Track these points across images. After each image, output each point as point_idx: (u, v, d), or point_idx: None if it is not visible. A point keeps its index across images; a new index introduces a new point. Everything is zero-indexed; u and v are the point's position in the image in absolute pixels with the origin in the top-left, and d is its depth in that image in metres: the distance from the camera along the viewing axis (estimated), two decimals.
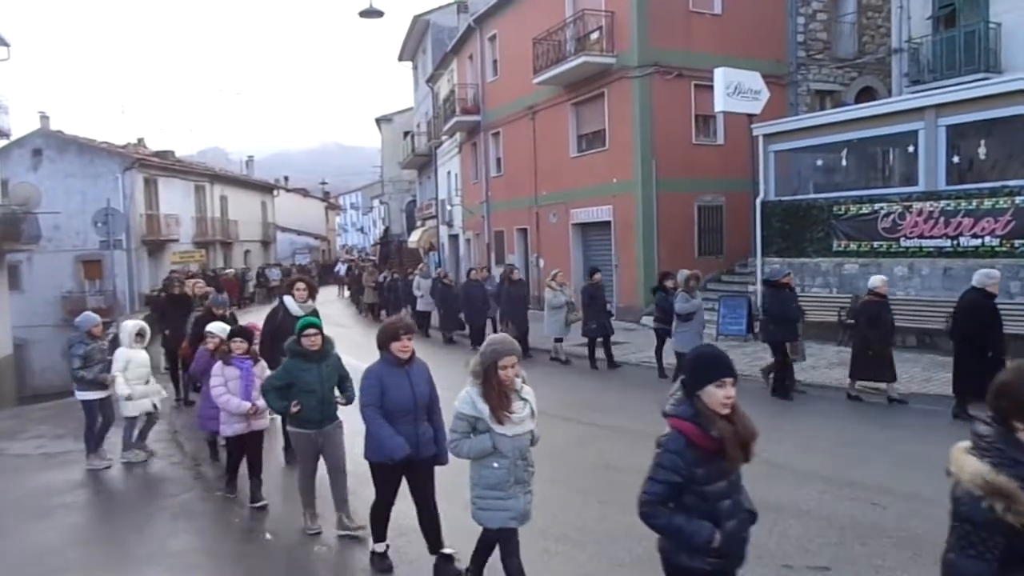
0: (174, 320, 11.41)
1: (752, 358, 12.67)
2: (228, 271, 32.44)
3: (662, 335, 11.79)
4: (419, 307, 18.87)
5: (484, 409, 3.99)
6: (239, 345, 6.64)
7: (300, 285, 7.39)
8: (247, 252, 41.98)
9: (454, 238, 31.98)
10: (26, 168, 28.45)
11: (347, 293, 31.52)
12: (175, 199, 33.73)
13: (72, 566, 5.56)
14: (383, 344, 4.82)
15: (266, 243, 46.19)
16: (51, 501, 7.26)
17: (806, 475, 6.73)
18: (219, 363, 6.56)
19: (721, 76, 15.37)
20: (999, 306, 8.54)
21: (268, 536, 6.01)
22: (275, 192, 49.70)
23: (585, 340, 13.26)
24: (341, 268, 35.60)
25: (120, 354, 8.13)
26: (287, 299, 7.38)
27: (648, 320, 16.01)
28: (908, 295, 13.07)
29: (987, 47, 15.34)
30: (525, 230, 23.48)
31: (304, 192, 61.69)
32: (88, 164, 29.60)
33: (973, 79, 14.26)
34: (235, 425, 6.47)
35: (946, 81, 15.29)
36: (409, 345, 4.81)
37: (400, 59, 40.69)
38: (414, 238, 37.05)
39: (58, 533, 6.36)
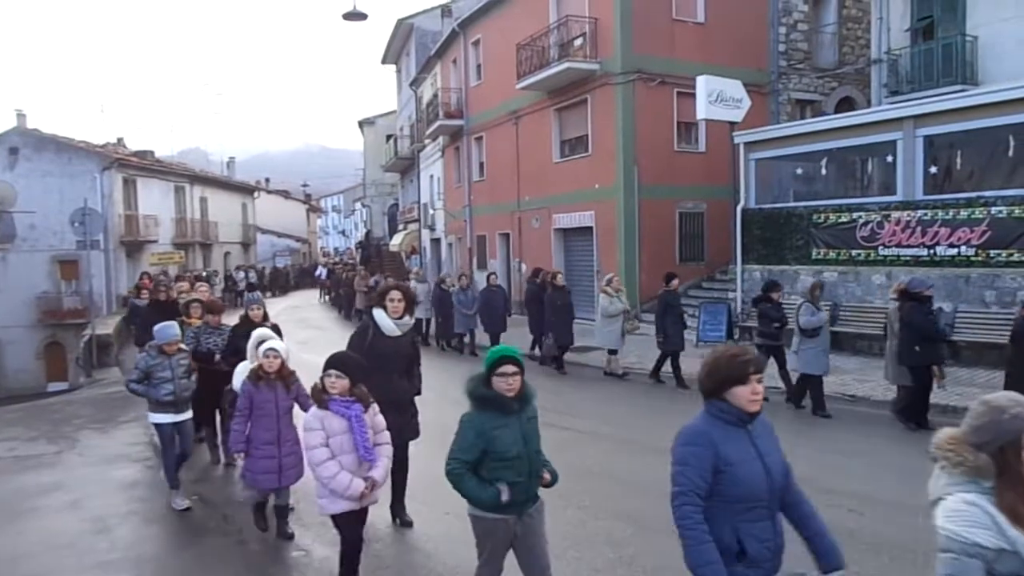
0: None
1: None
2: (185, 273, 31.70)
3: (771, 353, 10.15)
4: (416, 314, 18.22)
5: (1017, 535, 2.13)
6: (338, 383, 4.42)
7: (395, 295, 5.71)
8: (227, 254, 41.64)
9: (436, 242, 31.93)
10: (2, 167, 28.06)
11: (328, 297, 31.01)
12: (154, 200, 33.41)
13: (43, 571, 5.47)
14: (715, 389, 2.83)
15: (246, 245, 45.83)
16: (22, 504, 7.14)
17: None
18: (313, 409, 4.49)
19: (703, 84, 15.49)
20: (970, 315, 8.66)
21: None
22: (256, 194, 49.35)
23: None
24: (322, 272, 35.36)
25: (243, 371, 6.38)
26: (378, 314, 5.69)
27: (597, 323, 16.07)
28: (886, 303, 13.18)
29: (964, 59, 15.57)
30: (508, 235, 23.48)
31: (285, 194, 61.32)
32: (66, 163, 29.24)
33: (950, 91, 14.46)
34: (342, 502, 4.42)
35: (924, 92, 15.50)
36: (760, 392, 2.85)
37: (384, 62, 40.61)
38: (396, 241, 36.97)
39: (30, 537, 6.26)
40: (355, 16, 19.62)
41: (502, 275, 22.60)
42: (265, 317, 7.53)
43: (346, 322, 24.25)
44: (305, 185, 69.03)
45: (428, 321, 17.85)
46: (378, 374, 5.23)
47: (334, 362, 4.48)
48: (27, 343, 28.47)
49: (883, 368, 9.43)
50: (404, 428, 5.60)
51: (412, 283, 17.97)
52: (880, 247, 13.37)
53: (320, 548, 5.59)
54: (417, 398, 6.07)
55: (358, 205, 60.25)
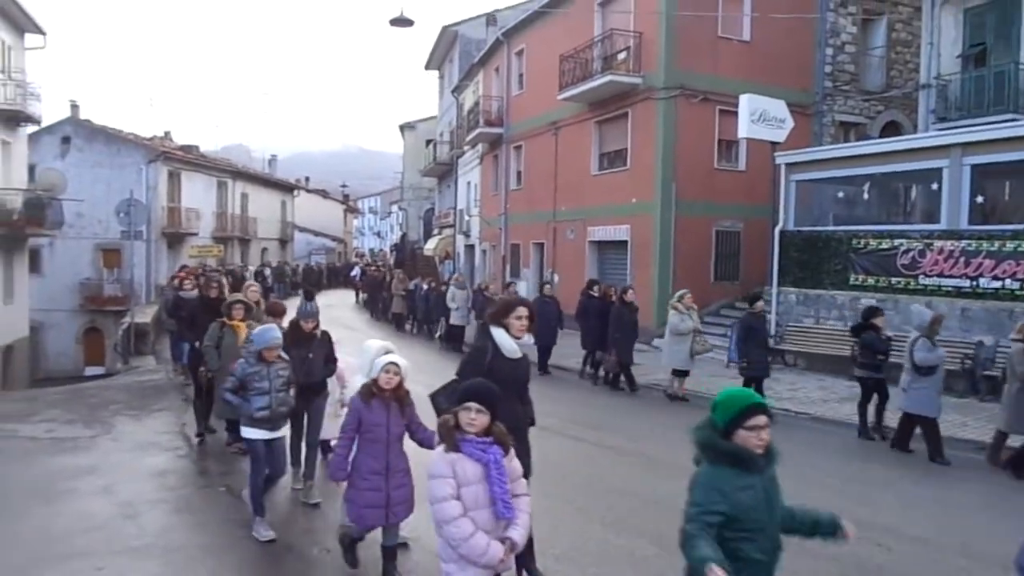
0: (206, 331, 8.55)
1: (765, 387, 12.59)
2: (214, 269, 31.47)
3: (871, 387, 9.55)
4: (453, 320, 17.70)
5: None
6: (479, 419, 3.49)
7: (521, 312, 4.83)
8: (264, 249, 42.27)
9: (470, 248, 32.06)
10: (54, 155, 28.82)
11: (363, 298, 30.73)
12: (197, 193, 34.07)
13: (76, 553, 5.61)
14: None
15: (283, 242, 46.49)
16: (59, 486, 7.33)
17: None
18: (440, 452, 3.54)
19: (746, 102, 15.40)
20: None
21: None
22: (295, 192, 50.08)
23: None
24: (357, 272, 35.64)
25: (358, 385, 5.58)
26: (498, 333, 4.82)
27: (660, 342, 15.99)
28: None
29: (1016, 88, 15.27)
30: (542, 244, 23.51)
31: (324, 193, 62.13)
32: (114, 154, 29.97)
33: (1001, 119, 14.19)
34: (475, 569, 3.52)
35: (973, 120, 15.23)
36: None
37: (427, 68, 41.00)
38: (430, 246, 37.18)
39: (65, 519, 6.42)
40: (401, 22, 19.86)
41: (534, 285, 22.64)
42: (316, 328, 6.98)
43: (377, 324, 24.43)
44: (344, 186, 69.89)
45: (464, 329, 17.80)
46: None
47: (474, 392, 3.55)
48: (68, 327, 29.18)
49: (996, 413, 8.83)
50: (526, 462, 4.77)
51: (452, 289, 18.00)
52: (921, 276, 13.15)
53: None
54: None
55: (395, 208, 60.77)
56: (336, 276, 42.90)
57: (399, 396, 4.87)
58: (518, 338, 4.83)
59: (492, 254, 28.28)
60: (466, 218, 32.10)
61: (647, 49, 18.11)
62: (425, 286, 20.72)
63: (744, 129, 15.57)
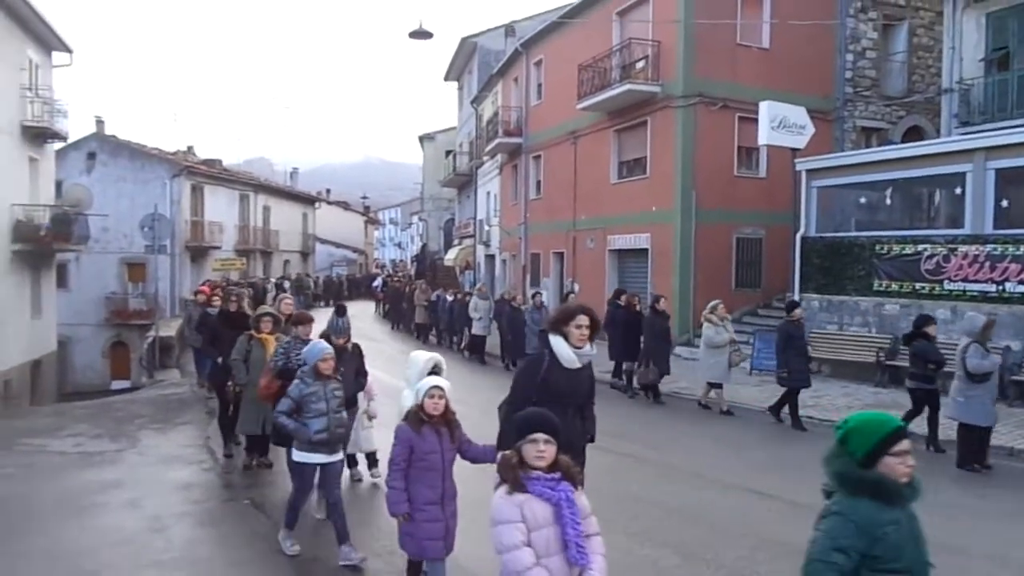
0: (229, 346, 8.40)
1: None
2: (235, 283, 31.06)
3: (922, 398, 9.12)
4: (475, 330, 17.85)
5: None
6: (548, 451, 3.11)
7: (582, 320, 4.58)
8: (286, 262, 42.63)
9: (491, 258, 32.13)
10: (80, 171, 29.28)
11: (384, 309, 30.87)
12: (220, 207, 34.46)
13: (103, 567, 5.68)
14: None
15: (305, 254, 46.86)
16: (86, 500, 7.42)
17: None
18: (502, 491, 3.12)
19: (766, 109, 15.33)
20: None
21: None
22: (317, 204, 50.49)
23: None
24: (379, 283, 35.84)
25: (406, 399, 5.33)
26: (557, 342, 4.61)
27: (688, 350, 15.92)
28: (950, 339, 12.77)
29: None
30: (562, 254, 23.51)
31: (345, 205, 62.57)
32: (139, 169, 30.40)
33: None
34: None
35: (997, 124, 15.05)
36: None
37: (446, 79, 41.23)
38: (451, 256, 37.31)
39: (91, 533, 6.50)
40: (421, 35, 19.98)
41: (554, 294, 22.62)
42: (347, 342, 6.89)
43: (399, 335, 24.52)
44: (364, 197, 70.30)
45: (485, 339, 17.86)
46: (555, 413, 4.38)
47: (538, 421, 3.16)
48: (94, 341, 29.57)
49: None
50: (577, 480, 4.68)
51: (475, 299, 18.03)
52: (945, 281, 12.98)
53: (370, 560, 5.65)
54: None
55: (415, 218, 61.07)
56: (357, 287, 43.14)
57: (447, 419, 4.55)
58: (578, 347, 4.57)
59: (512, 264, 28.32)
60: (486, 228, 32.18)
61: (665, 57, 18.09)
62: (450, 297, 20.71)
63: (764, 136, 15.50)
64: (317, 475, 5.73)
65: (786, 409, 10.68)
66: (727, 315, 11.94)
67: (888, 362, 13.47)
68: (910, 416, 9.10)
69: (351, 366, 6.79)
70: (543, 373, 4.56)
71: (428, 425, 4.46)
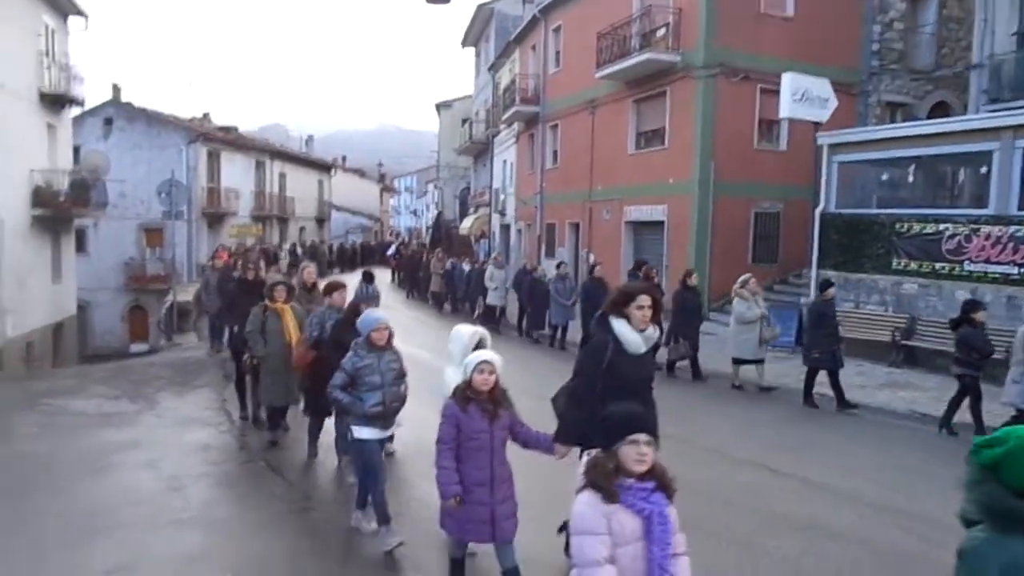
0: (247, 315, 8.14)
1: (801, 370, 12.44)
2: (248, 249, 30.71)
3: (969, 384, 8.84)
4: (490, 300, 17.75)
5: None
6: (648, 454, 2.77)
7: (644, 300, 4.33)
8: (302, 229, 42.72)
9: (506, 228, 32.06)
10: (97, 137, 29.36)
11: (399, 277, 30.88)
12: (236, 173, 34.49)
13: (122, 524, 5.79)
14: None
15: (321, 220, 46.94)
16: (105, 459, 7.56)
17: (847, 497, 6.60)
18: (588, 496, 2.75)
19: (788, 81, 15.08)
20: None
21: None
22: (332, 171, 50.45)
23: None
24: (392, 251, 35.88)
25: (450, 376, 5.05)
26: (619, 325, 4.34)
27: (704, 325, 15.89)
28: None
29: None
30: (577, 224, 23.41)
31: (361, 173, 62.52)
32: (155, 135, 30.44)
33: None
34: None
35: None
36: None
37: (463, 45, 40.84)
38: (466, 225, 37.26)
39: (110, 492, 6.63)
40: (438, 0, 19.75)
41: (569, 265, 22.58)
42: None
43: (414, 303, 24.56)
44: (380, 164, 70.19)
45: (503, 309, 17.74)
46: (619, 402, 4.32)
47: (640, 420, 2.80)
48: (113, 305, 29.88)
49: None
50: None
51: (490, 268, 17.95)
52: (966, 261, 12.82)
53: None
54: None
55: (431, 187, 60.94)
56: (371, 255, 43.23)
57: (496, 397, 4.27)
58: (641, 330, 4.30)
59: (527, 233, 28.25)
60: (501, 197, 32.07)
61: (687, 26, 17.80)
62: (467, 266, 20.66)
63: (786, 109, 15.26)
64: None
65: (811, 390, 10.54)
66: (758, 290, 11.58)
67: (904, 342, 13.38)
68: (955, 403, 8.99)
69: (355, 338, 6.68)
70: (608, 359, 4.28)
71: (475, 403, 4.20)
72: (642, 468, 2.72)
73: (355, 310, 6.46)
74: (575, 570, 2.74)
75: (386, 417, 5.35)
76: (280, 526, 5.82)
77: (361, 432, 5.27)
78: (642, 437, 2.73)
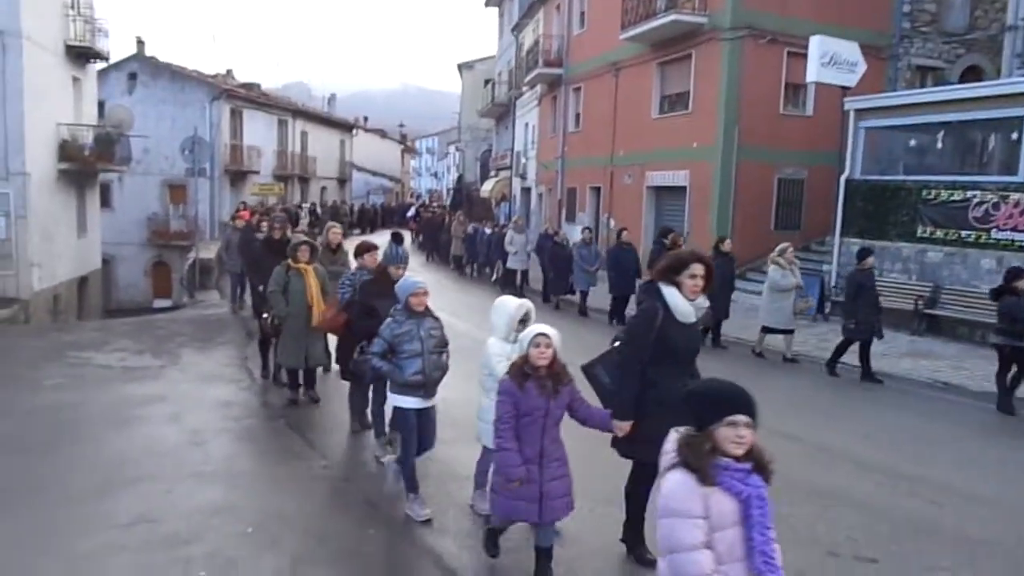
0: (270, 273, 7.97)
1: (820, 339, 12.41)
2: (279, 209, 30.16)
3: (1009, 356, 8.59)
4: (510, 264, 17.58)
5: None
6: (748, 437, 2.58)
7: (696, 269, 4.15)
8: (323, 188, 42.81)
9: (527, 191, 31.92)
10: (121, 91, 29.46)
11: (418, 240, 30.89)
12: (258, 131, 34.53)
13: (146, 476, 5.94)
14: None
15: (342, 181, 46.96)
16: (130, 412, 7.73)
17: (864, 465, 6.61)
18: (681, 476, 2.57)
19: (817, 44, 14.75)
20: None
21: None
22: (354, 131, 50.31)
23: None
24: (412, 213, 35.89)
25: (494, 348, 4.83)
26: (670, 293, 4.17)
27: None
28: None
29: None
30: (598, 189, 23.25)
31: (382, 133, 62.24)
32: (179, 91, 30.49)
33: None
34: None
35: None
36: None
37: (487, 5, 40.31)
38: (487, 188, 37.13)
39: (135, 443, 6.79)
40: None
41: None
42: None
43: (434, 265, 24.60)
44: (401, 125, 69.84)
45: (525, 273, 17.63)
46: (667, 374, 4.16)
47: (742, 399, 2.61)
48: (137, 260, 30.28)
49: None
50: None
51: (509, 232, 17.77)
52: (993, 230, 12.61)
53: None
54: None
55: (452, 148, 60.64)
56: (391, 216, 43.27)
57: (555, 372, 4.07)
58: (691, 299, 4.15)
59: (548, 197, 28.11)
60: (523, 160, 31.87)
61: None
62: (488, 230, 20.55)
63: (813, 73, 14.95)
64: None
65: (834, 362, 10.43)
66: (795, 260, 11.33)
67: (927, 311, 13.25)
68: (1001, 375, 8.71)
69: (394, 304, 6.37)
70: (658, 328, 4.13)
71: (534, 379, 4.01)
72: (739, 451, 2.55)
73: (383, 272, 6.34)
74: (666, 557, 2.56)
75: (427, 386, 5.12)
76: (299, 483, 5.94)
77: (400, 401, 5.13)
78: (741, 419, 2.55)
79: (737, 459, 2.55)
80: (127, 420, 7.49)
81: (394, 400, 5.18)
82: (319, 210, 31.87)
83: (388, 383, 5.32)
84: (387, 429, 6.30)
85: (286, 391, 8.24)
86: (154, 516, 5.17)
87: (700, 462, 2.53)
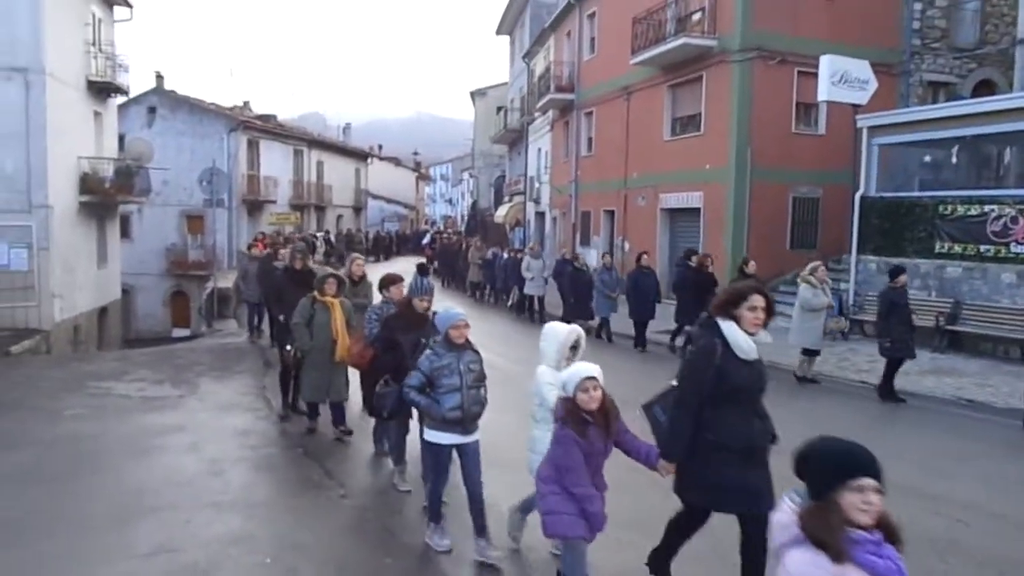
0: (295, 306, 7.84)
1: (840, 358, 12.30)
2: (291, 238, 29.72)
3: None
4: (527, 290, 17.53)
5: None
6: (876, 503, 2.34)
7: (757, 300, 3.93)
8: (339, 216, 43.15)
9: (540, 215, 32.01)
10: (141, 125, 29.99)
11: (434, 266, 30.88)
12: (275, 161, 34.96)
13: (165, 505, 5.96)
14: None
15: (358, 209, 47.33)
16: (149, 442, 7.77)
17: (888, 484, 6.50)
18: (808, 554, 2.29)
19: (827, 64, 14.80)
20: None
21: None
22: (369, 159, 50.80)
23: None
24: (427, 239, 36.07)
25: (545, 376, 4.65)
26: (729, 328, 3.95)
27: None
28: (1015, 304, 12.38)
29: None
30: (612, 212, 23.29)
31: (396, 161, 62.79)
32: (197, 124, 30.99)
33: None
34: None
35: None
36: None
37: (498, 33, 40.77)
38: (501, 213, 37.27)
39: (154, 473, 6.82)
40: None
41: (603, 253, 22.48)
42: (429, 307, 6.14)
43: (450, 292, 24.60)
44: (416, 153, 70.44)
45: (541, 299, 17.54)
46: (730, 414, 3.92)
47: (865, 461, 2.41)
48: (156, 290, 30.61)
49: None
50: (764, 493, 3.86)
51: (527, 258, 17.66)
52: (1013, 243, 12.50)
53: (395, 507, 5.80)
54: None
55: (465, 175, 61.01)
56: (405, 243, 43.49)
57: (606, 410, 3.93)
58: (752, 333, 3.93)
59: (562, 221, 28.18)
60: (536, 185, 32.01)
61: (723, 9, 17.52)
62: (505, 255, 20.39)
63: (824, 92, 14.98)
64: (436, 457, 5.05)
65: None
66: (826, 278, 11.05)
67: (949, 327, 13.11)
68: None
69: (433, 335, 5.85)
70: (717, 366, 3.90)
71: (593, 425, 3.86)
72: (866, 519, 2.29)
73: (408, 304, 6.21)
74: None
75: (465, 422, 4.90)
76: (316, 512, 5.94)
77: (435, 436, 4.94)
78: (868, 482, 2.31)
79: (865, 528, 2.29)
80: (146, 450, 7.53)
81: (429, 435, 4.98)
82: (333, 239, 32.09)
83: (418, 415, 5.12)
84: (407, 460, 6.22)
85: (304, 420, 8.24)
86: (174, 546, 5.18)
87: (831, 537, 2.24)
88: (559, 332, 4.65)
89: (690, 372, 4.04)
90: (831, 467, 2.35)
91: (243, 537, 5.38)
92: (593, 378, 3.84)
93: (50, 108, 17.20)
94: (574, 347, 4.62)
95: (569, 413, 3.85)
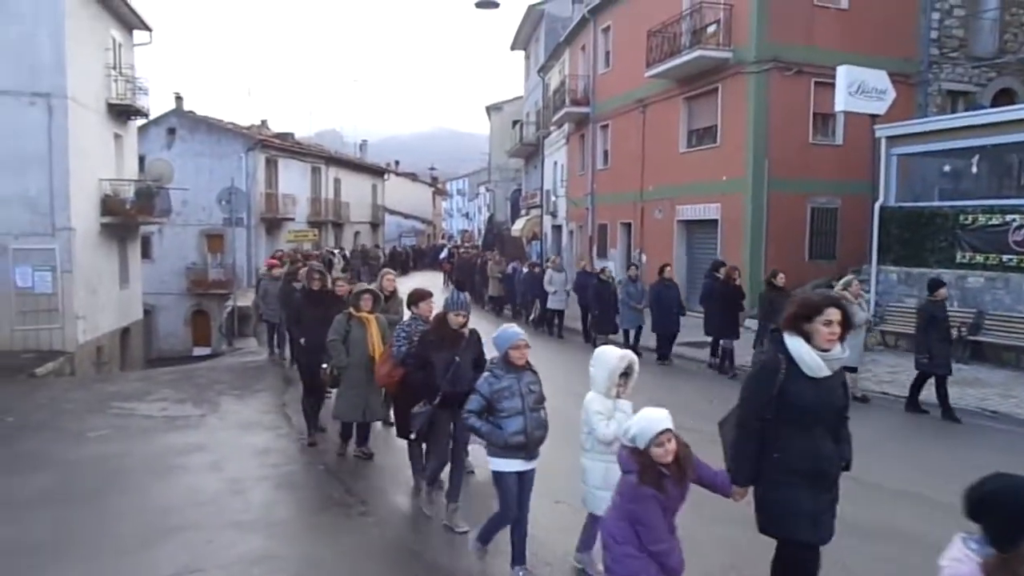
0: (314, 327, 7.81)
1: (862, 368, 12.15)
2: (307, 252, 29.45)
3: None
4: (550, 304, 17.31)
5: None
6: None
7: (832, 314, 3.59)
8: (357, 233, 43.41)
9: (557, 229, 32.04)
10: (161, 146, 30.38)
11: (452, 281, 30.90)
12: (293, 179, 35.26)
13: (188, 525, 6.00)
14: None
15: (375, 225, 47.61)
16: (172, 462, 7.84)
17: (907, 496, 6.45)
18: None
19: (844, 74, 14.73)
20: None
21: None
22: (386, 175, 51.13)
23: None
24: (445, 254, 36.18)
25: (594, 404, 4.53)
26: (794, 343, 3.64)
27: (752, 323, 15.63)
28: None
29: None
30: (629, 224, 23.28)
31: (413, 176, 63.22)
32: (216, 144, 31.36)
33: None
34: None
35: None
36: None
37: (513, 48, 41.00)
38: (518, 227, 37.33)
39: (177, 493, 6.87)
40: (487, 4, 19.93)
41: (621, 265, 22.46)
42: (465, 324, 5.92)
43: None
44: (432, 168, 70.85)
45: (561, 313, 17.36)
46: (796, 436, 3.61)
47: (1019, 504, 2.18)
48: (177, 310, 30.91)
49: None
50: (826, 522, 3.69)
51: (549, 272, 17.41)
52: None
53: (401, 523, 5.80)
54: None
55: (482, 189, 61.24)
56: (422, 258, 43.60)
57: (680, 459, 3.55)
58: (826, 349, 3.58)
59: (579, 234, 28.19)
60: (553, 198, 32.07)
61: (738, 21, 17.54)
62: (525, 269, 20.10)
63: (841, 102, 14.90)
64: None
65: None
66: (861, 292, 10.61)
67: (971, 337, 12.95)
68: None
69: (468, 355, 5.80)
70: (780, 384, 3.59)
71: (672, 476, 3.52)
72: None
73: (442, 320, 5.87)
74: None
75: (529, 447, 4.67)
76: (339, 531, 5.95)
77: (500, 464, 4.67)
78: None
79: None
80: (170, 469, 7.59)
81: (493, 464, 4.72)
82: (347, 255, 32.24)
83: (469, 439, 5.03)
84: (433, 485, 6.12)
85: (332, 439, 8.16)
86: (197, 566, 5.21)
87: None
88: (610, 358, 4.44)
89: (750, 390, 3.78)
90: (1013, 514, 2.12)
91: (265, 556, 5.40)
92: (670, 431, 3.50)
93: (72, 132, 17.48)
94: (626, 373, 4.41)
95: (645, 469, 3.48)
